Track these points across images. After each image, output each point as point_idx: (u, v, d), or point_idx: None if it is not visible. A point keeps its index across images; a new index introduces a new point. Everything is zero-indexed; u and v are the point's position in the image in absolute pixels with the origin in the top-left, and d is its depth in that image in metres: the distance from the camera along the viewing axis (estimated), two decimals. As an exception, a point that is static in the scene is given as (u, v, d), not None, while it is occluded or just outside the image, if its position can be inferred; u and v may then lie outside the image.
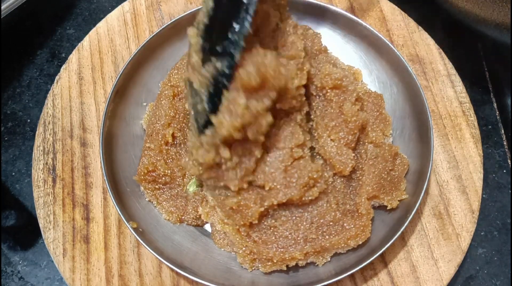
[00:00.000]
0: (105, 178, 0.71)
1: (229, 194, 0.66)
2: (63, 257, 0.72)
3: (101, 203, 0.76)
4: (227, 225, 0.69)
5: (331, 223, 0.67)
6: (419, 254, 0.71)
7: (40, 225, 0.74)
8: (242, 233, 0.67)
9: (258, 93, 0.59)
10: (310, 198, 0.66)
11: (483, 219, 0.81)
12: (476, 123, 0.79)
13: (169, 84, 0.77)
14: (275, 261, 0.66)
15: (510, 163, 0.85)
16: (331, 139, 0.70)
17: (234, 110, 0.58)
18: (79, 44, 0.85)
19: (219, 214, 0.69)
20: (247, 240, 0.67)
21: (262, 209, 0.65)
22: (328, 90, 0.71)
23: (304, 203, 0.67)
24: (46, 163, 0.78)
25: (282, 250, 0.66)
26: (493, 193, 0.83)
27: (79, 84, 0.83)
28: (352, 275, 0.70)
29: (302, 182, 0.65)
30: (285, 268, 0.67)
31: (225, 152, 0.61)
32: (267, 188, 0.65)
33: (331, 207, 0.67)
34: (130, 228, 0.68)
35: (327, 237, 0.67)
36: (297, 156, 0.66)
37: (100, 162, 0.72)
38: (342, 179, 0.70)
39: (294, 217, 0.68)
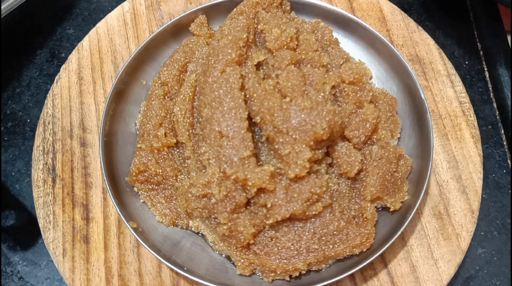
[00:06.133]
0: (105, 178, 0.71)
1: (219, 221, 0.66)
2: (63, 257, 0.72)
3: (101, 203, 0.75)
4: (221, 244, 0.69)
5: (335, 232, 0.67)
6: (419, 254, 0.71)
7: (40, 225, 0.74)
8: (240, 249, 0.68)
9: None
10: (314, 212, 0.66)
11: (483, 219, 0.81)
12: (476, 123, 0.79)
13: (159, 81, 0.77)
14: (278, 272, 0.66)
15: (510, 163, 0.85)
16: (344, 136, 0.70)
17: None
18: (79, 44, 0.85)
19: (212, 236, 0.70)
20: (247, 252, 0.67)
21: (254, 230, 0.65)
22: (346, 85, 0.72)
23: (308, 217, 0.67)
24: (46, 163, 0.78)
25: (285, 261, 0.66)
26: (493, 193, 0.83)
27: (79, 84, 0.83)
28: (352, 275, 0.70)
29: (304, 197, 0.64)
30: (288, 279, 0.67)
31: (214, 188, 0.64)
32: (269, 205, 0.65)
33: (334, 216, 0.67)
34: (130, 228, 0.68)
35: (331, 246, 0.66)
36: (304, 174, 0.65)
37: (100, 162, 0.72)
38: (347, 182, 0.70)
39: (296, 228, 0.67)
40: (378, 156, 0.69)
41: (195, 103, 0.74)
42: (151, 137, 0.73)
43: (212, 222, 0.68)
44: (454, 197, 0.74)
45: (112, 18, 0.87)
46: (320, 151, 0.66)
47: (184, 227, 0.72)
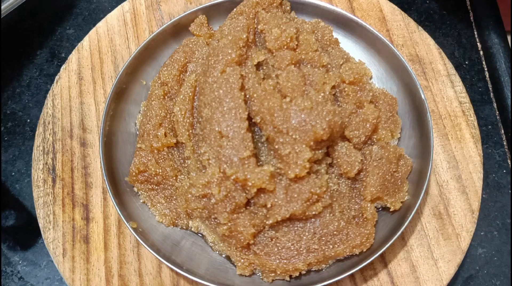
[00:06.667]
0: (105, 178, 0.71)
1: (219, 221, 0.66)
2: (63, 257, 0.72)
3: (101, 203, 0.76)
4: (221, 244, 0.69)
5: (335, 233, 0.67)
6: (419, 254, 0.71)
7: (40, 225, 0.74)
8: (240, 250, 0.67)
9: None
10: (314, 212, 0.66)
11: (483, 219, 0.81)
12: (476, 123, 0.79)
13: (159, 81, 0.77)
14: (278, 272, 0.66)
15: (510, 163, 0.85)
16: (344, 137, 0.70)
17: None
18: (79, 44, 0.85)
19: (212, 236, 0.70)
20: (247, 253, 0.67)
21: (254, 230, 0.65)
22: (346, 85, 0.72)
23: (308, 217, 0.67)
24: (46, 163, 0.78)
25: (285, 261, 0.66)
26: (493, 193, 0.83)
27: (79, 84, 0.83)
28: (352, 275, 0.70)
29: (304, 197, 0.64)
30: (288, 279, 0.67)
31: (214, 189, 0.64)
32: (268, 205, 0.65)
33: (334, 216, 0.67)
34: (130, 228, 0.68)
35: (331, 247, 0.66)
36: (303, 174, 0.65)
37: (100, 162, 0.72)
38: (347, 182, 0.70)
39: (296, 228, 0.67)
40: (378, 156, 0.69)
41: (195, 103, 0.74)
42: (151, 137, 0.73)
43: (212, 222, 0.68)
44: (454, 197, 0.74)
45: (112, 18, 0.87)
46: (320, 151, 0.66)
47: (184, 227, 0.72)
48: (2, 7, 0.83)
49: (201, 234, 0.72)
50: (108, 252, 0.73)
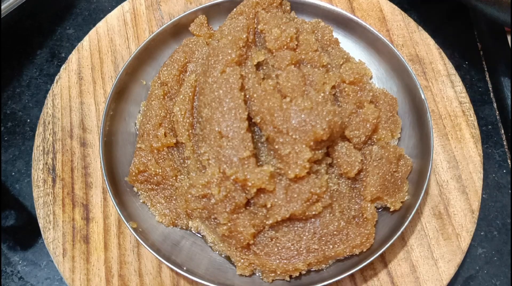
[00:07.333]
0: (105, 178, 0.71)
1: (219, 221, 0.66)
2: (63, 257, 0.72)
3: (101, 203, 0.76)
4: (221, 244, 0.69)
5: (335, 233, 0.67)
6: (419, 254, 0.71)
7: (40, 225, 0.74)
8: (240, 250, 0.67)
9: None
10: (314, 212, 0.66)
11: (483, 219, 0.81)
12: (476, 123, 0.79)
13: (158, 81, 0.77)
14: (278, 272, 0.66)
15: (510, 163, 0.85)
16: (344, 136, 0.70)
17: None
18: (79, 44, 0.85)
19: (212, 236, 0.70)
20: (247, 253, 0.67)
21: (254, 230, 0.65)
22: (346, 85, 0.72)
23: (308, 217, 0.67)
24: (46, 163, 0.78)
25: (285, 261, 0.66)
26: (493, 193, 0.83)
27: (79, 84, 0.83)
28: (352, 275, 0.70)
29: (304, 197, 0.64)
30: (288, 279, 0.67)
31: (214, 189, 0.64)
32: (268, 206, 0.65)
33: (334, 216, 0.67)
34: (130, 228, 0.68)
35: (331, 247, 0.66)
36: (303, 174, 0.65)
37: (100, 162, 0.72)
38: (347, 182, 0.70)
39: (296, 228, 0.67)
40: (378, 156, 0.69)
41: (195, 103, 0.74)
42: (151, 137, 0.73)
43: (212, 222, 0.68)
44: (454, 197, 0.74)
45: (112, 18, 0.87)
46: (320, 151, 0.66)
47: (184, 227, 0.72)
48: (2, 7, 0.83)
49: (201, 234, 0.72)
50: (108, 252, 0.73)
